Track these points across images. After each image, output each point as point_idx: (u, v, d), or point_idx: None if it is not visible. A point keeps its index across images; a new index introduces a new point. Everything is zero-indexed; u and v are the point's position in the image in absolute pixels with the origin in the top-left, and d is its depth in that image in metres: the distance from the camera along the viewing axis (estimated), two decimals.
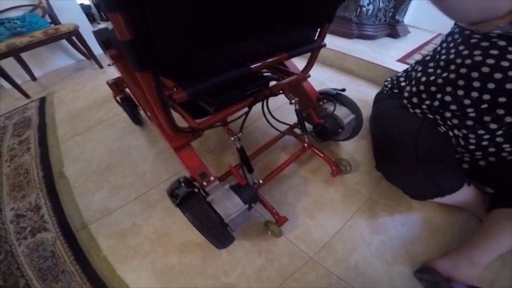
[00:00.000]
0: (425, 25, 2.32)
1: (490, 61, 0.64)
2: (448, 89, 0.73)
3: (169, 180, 1.07)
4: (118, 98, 1.20)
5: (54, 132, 1.47)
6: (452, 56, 0.74)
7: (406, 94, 0.86)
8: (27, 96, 1.89)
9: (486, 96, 0.67)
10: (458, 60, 0.71)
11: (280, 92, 0.93)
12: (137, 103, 1.12)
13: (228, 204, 0.68)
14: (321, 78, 1.73)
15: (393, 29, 2.07)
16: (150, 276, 0.81)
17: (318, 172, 1.07)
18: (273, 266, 0.81)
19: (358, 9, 1.91)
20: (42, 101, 1.82)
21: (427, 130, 0.74)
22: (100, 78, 2.03)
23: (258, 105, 0.85)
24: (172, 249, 0.87)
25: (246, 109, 0.81)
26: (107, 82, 1.16)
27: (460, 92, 0.70)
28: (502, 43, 0.63)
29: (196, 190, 0.71)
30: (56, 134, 1.45)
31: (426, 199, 0.82)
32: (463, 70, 0.70)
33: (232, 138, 0.81)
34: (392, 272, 0.79)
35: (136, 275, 0.82)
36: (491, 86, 0.65)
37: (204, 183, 0.72)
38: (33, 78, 2.15)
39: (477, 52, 0.67)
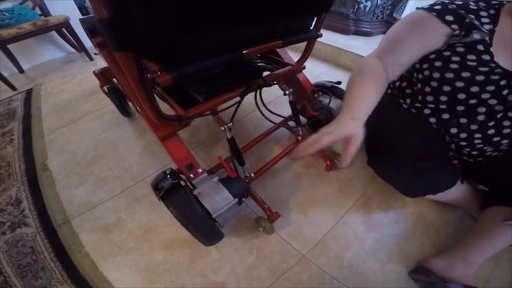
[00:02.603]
0: None
1: (436, 75, 0.65)
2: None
3: (156, 174, 1.04)
4: (105, 88, 1.16)
5: (39, 123, 1.41)
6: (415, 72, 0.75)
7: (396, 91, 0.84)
8: (13, 88, 1.84)
9: (443, 106, 0.67)
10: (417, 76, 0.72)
11: (274, 82, 0.90)
12: (124, 93, 1.07)
13: (216, 198, 0.64)
14: (315, 73, 1.71)
15: (390, 27, 2.04)
16: (134, 273, 0.78)
17: (312, 166, 1.04)
18: (264, 265, 0.78)
19: (356, 6, 1.89)
20: (29, 92, 1.77)
21: (420, 126, 0.73)
22: (90, 71, 1.94)
23: (252, 99, 0.82)
24: (158, 245, 0.83)
25: (238, 99, 0.78)
26: (94, 72, 1.11)
27: (430, 98, 0.70)
28: (447, 53, 0.63)
29: (182, 183, 0.67)
30: (41, 126, 1.39)
31: (417, 196, 0.80)
32: (418, 85, 0.71)
33: (222, 128, 0.77)
34: (386, 271, 0.77)
35: (120, 272, 0.78)
36: (443, 98, 0.65)
37: (191, 175, 0.68)
38: (21, 70, 2.11)
39: (425, 66, 0.67)
